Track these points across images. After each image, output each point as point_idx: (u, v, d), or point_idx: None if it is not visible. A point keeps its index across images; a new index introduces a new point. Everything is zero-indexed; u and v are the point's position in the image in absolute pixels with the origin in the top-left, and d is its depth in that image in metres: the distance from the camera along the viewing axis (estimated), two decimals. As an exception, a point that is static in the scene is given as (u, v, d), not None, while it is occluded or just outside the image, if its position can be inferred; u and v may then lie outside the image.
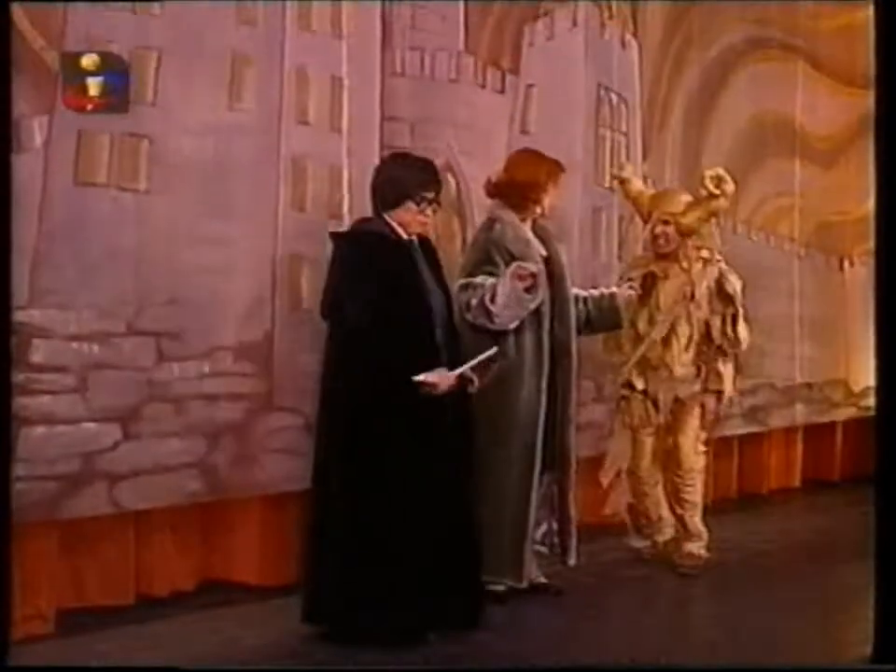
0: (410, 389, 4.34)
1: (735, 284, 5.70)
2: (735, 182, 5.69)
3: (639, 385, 5.68)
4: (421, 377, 4.33)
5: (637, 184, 5.88)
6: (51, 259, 4.29)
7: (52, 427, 4.32)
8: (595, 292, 5.33)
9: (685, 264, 5.63)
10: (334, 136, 5.14)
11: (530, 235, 5.04)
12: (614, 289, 5.41)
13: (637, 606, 5.29)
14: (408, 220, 4.54)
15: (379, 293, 4.38)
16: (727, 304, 5.67)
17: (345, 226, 4.93)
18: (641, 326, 5.66)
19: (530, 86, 6.12)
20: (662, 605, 5.30)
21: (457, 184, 5.72)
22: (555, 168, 5.12)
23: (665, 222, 5.61)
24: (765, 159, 7.77)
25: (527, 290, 4.80)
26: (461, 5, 5.70)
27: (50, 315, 4.30)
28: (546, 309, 4.96)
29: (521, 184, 5.02)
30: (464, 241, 5.65)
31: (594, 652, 4.46)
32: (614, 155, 6.59)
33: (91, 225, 4.41)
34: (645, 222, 5.79)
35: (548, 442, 5.00)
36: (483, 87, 5.87)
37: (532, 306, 4.86)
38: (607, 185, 6.53)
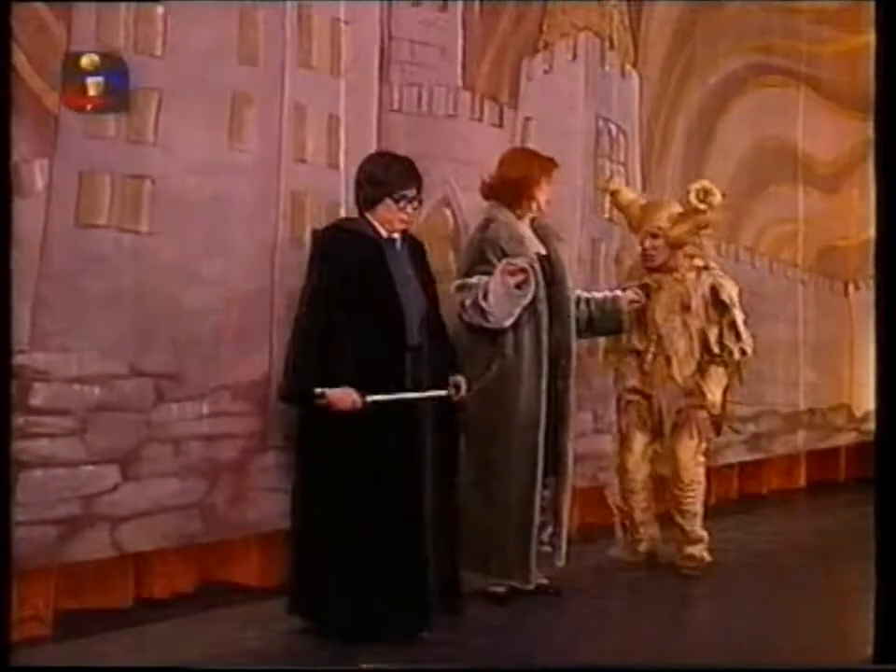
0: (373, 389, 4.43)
1: (730, 290, 5.74)
2: (724, 195, 5.74)
3: (645, 389, 5.73)
4: (320, 390, 4.39)
5: (627, 194, 5.93)
6: (52, 302, 4.35)
7: (52, 471, 4.38)
8: (599, 295, 5.41)
9: (678, 275, 5.68)
10: (332, 173, 5.22)
11: (526, 233, 5.10)
12: (618, 293, 5.46)
13: (638, 606, 5.35)
14: (389, 218, 4.63)
15: (345, 290, 4.48)
16: (723, 313, 5.70)
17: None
18: (636, 338, 5.71)
19: (528, 119, 6.20)
20: (662, 605, 5.33)
21: (455, 218, 5.80)
22: (547, 163, 5.20)
23: (654, 235, 5.66)
24: (768, 185, 7.87)
25: (518, 286, 4.87)
26: (460, 40, 5.80)
27: (51, 358, 4.36)
28: (544, 308, 5.01)
29: (513, 181, 5.10)
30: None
31: (593, 653, 4.53)
32: (613, 186, 6.70)
33: (92, 266, 4.47)
34: (634, 233, 5.85)
35: (548, 444, 5.05)
36: (481, 121, 5.95)
37: (524, 302, 4.91)
38: (606, 215, 6.61)
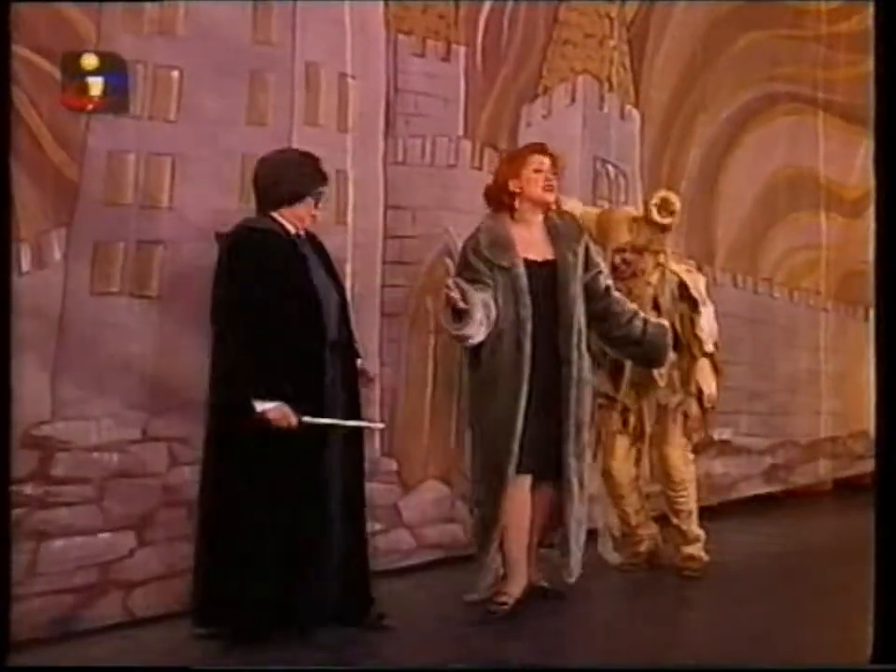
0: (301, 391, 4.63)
1: (698, 284, 6.00)
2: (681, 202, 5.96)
3: (618, 395, 5.97)
4: (262, 408, 4.55)
5: (576, 208, 6.02)
6: (71, 371, 4.62)
7: (71, 540, 4.65)
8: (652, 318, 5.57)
9: (645, 277, 5.93)
10: (339, 229, 5.50)
11: (522, 237, 5.19)
12: (663, 321, 5.63)
13: (639, 607, 5.57)
14: (301, 216, 4.81)
15: (265, 289, 4.61)
16: (693, 307, 5.95)
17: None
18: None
19: (527, 165, 6.50)
20: (663, 606, 5.54)
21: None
22: (525, 154, 5.33)
23: (622, 250, 5.92)
24: (788, 213, 8.13)
25: (458, 316, 4.94)
26: (462, 89, 6.12)
27: (72, 427, 4.64)
28: (528, 314, 5.09)
29: (493, 183, 5.33)
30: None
31: (594, 654, 4.76)
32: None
33: (106, 334, 4.75)
34: (596, 243, 5.95)
35: (542, 453, 5.14)
36: (480, 169, 6.19)
37: (460, 334, 4.99)
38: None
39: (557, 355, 5.19)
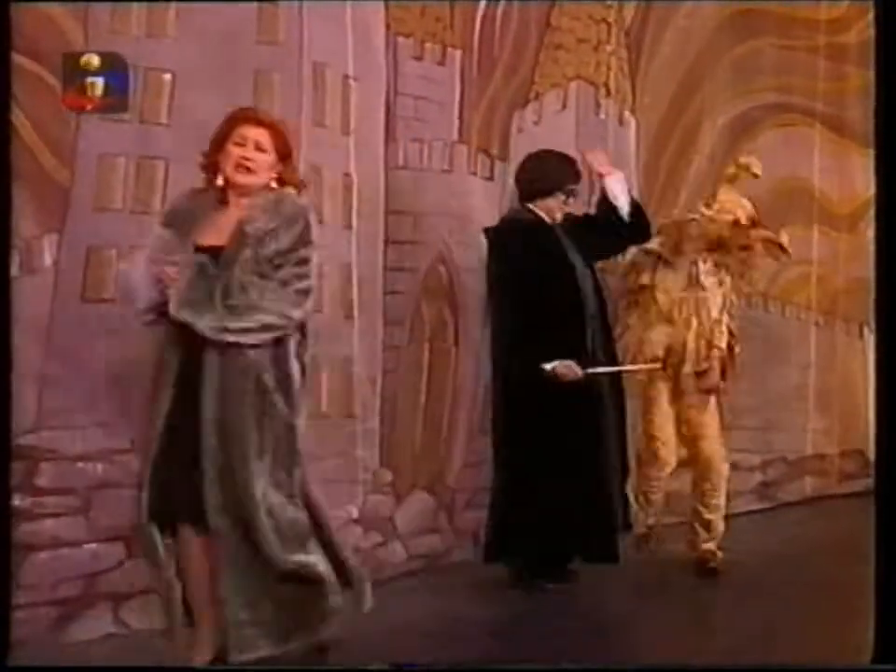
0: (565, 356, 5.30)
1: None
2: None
3: (660, 352, 5.95)
4: (549, 366, 5.23)
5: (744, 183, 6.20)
6: (58, 379, 4.45)
7: (56, 551, 4.49)
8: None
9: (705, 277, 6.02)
10: (345, 233, 5.38)
11: (212, 219, 4.15)
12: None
13: (640, 607, 5.52)
14: (551, 207, 5.50)
15: (534, 271, 5.32)
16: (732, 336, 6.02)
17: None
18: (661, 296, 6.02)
19: (518, 171, 6.32)
20: (663, 607, 5.51)
21: (450, 276, 5.96)
22: (231, 121, 4.19)
23: (707, 205, 6.07)
24: (783, 226, 7.98)
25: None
26: (457, 93, 5.97)
27: (57, 436, 4.47)
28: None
29: (205, 152, 4.25)
30: (456, 331, 5.97)
31: (596, 654, 4.68)
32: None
33: (97, 341, 4.57)
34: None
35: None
36: (474, 174, 6.09)
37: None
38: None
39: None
